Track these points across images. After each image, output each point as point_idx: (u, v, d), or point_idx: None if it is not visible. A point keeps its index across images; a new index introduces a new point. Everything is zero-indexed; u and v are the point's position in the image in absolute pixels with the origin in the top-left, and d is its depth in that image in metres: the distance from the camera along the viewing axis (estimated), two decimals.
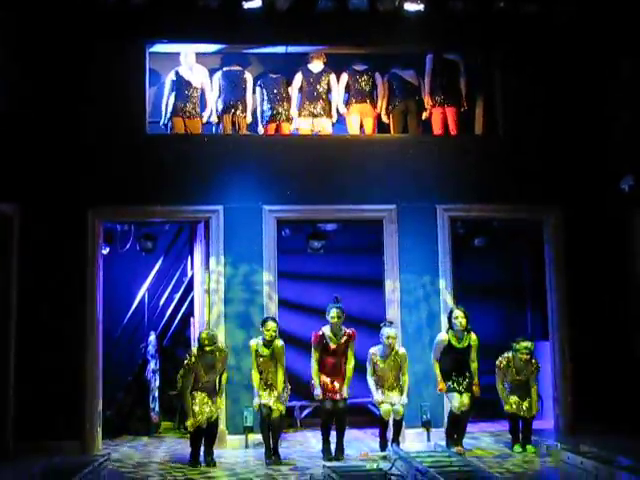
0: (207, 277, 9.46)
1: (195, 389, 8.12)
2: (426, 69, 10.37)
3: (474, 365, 8.61)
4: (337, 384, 8.36)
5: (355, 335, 8.50)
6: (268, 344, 8.34)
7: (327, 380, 8.38)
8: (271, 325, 8.37)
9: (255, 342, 8.43)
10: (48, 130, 9.33)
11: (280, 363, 8.36)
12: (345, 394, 8.36)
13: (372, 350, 8.62)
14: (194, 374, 8.10)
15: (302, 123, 10.18)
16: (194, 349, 8.25)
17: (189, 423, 8.06)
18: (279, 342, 8.39)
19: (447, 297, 9.58)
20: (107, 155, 9.40)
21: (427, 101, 10.34)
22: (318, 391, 8.34)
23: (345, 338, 8.44)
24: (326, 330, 8.46)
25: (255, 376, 8.37)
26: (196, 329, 10.03)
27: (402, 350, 8.69)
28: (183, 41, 9.95)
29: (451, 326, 8.64)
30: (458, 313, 8.61)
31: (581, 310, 9.70)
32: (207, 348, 8.06)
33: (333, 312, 8.40)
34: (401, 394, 8.55)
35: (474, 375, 8.60)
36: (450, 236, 9.76)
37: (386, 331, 8.57)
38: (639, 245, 9.56)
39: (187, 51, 10.04)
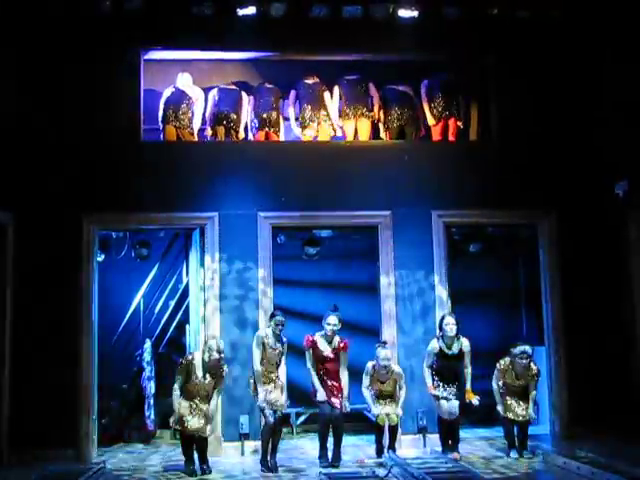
0: (202, 280, 9.47)
1: (187, 396, 8.03)
2: (422, 95, 10.39)
3: (467, 370, 8.63)
4: (333, 390, 8.33)
5: (347, 346, 8.44)
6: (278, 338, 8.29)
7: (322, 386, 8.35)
8: (279, 319, 8.26)
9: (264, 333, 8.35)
10: (41, 138, 9.31)
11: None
12: (346, 407, 8.30)
13: (370, 364, 8.60)
14: (189, 376, 8.00)
15: (307, 132, 10.18)
16: (198, 352, 8.19)
17: (171, 420, 8.00)
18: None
19: (443, 303, 9.57)
20: (101, 162, 9.39)
21: (430, 120, 10.35)
22: (321, 394, 8.28)
23: (336, 347, 8.40)
24: (318, 336, 8.44)
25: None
26: (191, 336, 10.01)
27: (398, 369, 8.68)
28: (178, 48, 9.96)
29: (442, 333, 8.66)
30: (449, 320, 8.65)
31: (576, 315, 9.70)
32: (217, 355, 8.00)
33: (330, 319, 8.37)
34: (397, 405, 8.55)
35: (467, 381, 8.60)
36: (445, 242, 9.76)
37: (382, 352, 8.55)
38: (634, 249, 9.57)
39: (184, 73, 10.09)
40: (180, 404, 7.96)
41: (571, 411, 9.58)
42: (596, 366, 9.59)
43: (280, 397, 8.20)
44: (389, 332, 9.39)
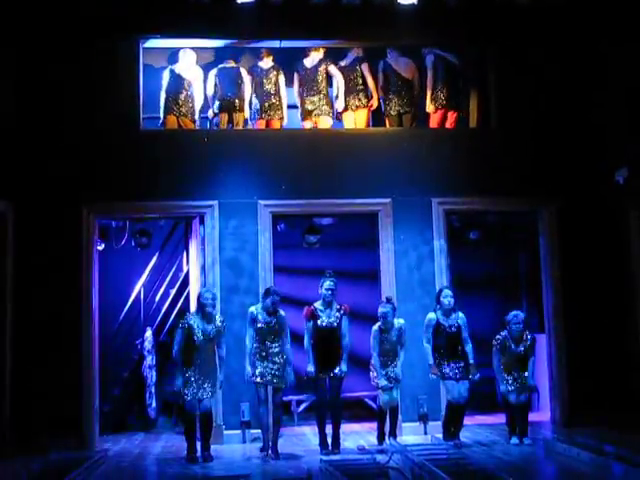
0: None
1: (191, 364, 8.00)
2: (428, 74, 10.29)
3: (469, 346, 8.62)
4: (330, 361, 8.25)
5: (348, 310, 8.40)
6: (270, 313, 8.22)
7: (320, 357, 8.25)
8: (275, 295, 8.19)
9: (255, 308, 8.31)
10: (41, 127, 9.29)
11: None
12: (344, 368, 8.25)
13: (375, 327, 8.57)
14: (190, 339, 7.96)
15: (305, 123, 10.16)
16: (192, 310, 8.16)
17: (185, 393, 7.93)
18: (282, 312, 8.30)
19: None
20: (101, 151, 9.37)
21: (429, 107, 10.30)
22: (312, 368, 8.22)
23: (337, 313, 8.35)
24: (318, 305, 8.39)
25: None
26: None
27: (401, 320, 8.65)
28: (177, 36, 9.92)
29: (439, 305, 8.69)
30: (447, 292, 8.69)
31: (577, 302, 9.71)
32: (208, 309, 8.01)
33: (326, 284, 8.33)
34: (396, 366, 8.52)
35: (468, 356, 8.59)
36: (445, 229, 9.77)
37: (385, 307, 8.55)
38: (633, 236, 9.57)
39: (187, 50, 10.02)
40: (185, 376, 7.96)
41: (571, 398, 9.60)
42: (597, 353, 9.60)
43: (274, 371, 8.11)
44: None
